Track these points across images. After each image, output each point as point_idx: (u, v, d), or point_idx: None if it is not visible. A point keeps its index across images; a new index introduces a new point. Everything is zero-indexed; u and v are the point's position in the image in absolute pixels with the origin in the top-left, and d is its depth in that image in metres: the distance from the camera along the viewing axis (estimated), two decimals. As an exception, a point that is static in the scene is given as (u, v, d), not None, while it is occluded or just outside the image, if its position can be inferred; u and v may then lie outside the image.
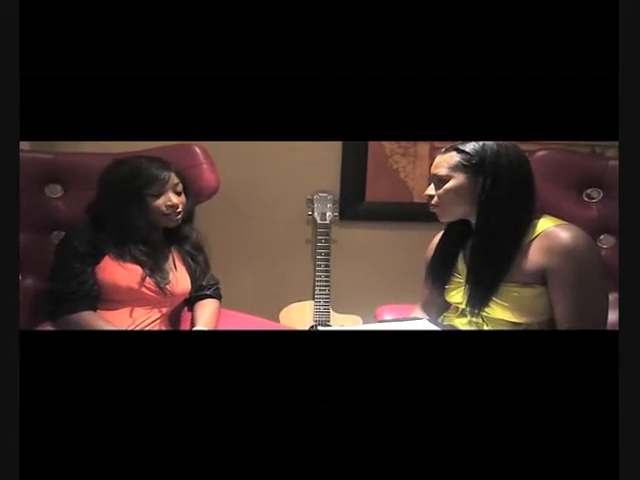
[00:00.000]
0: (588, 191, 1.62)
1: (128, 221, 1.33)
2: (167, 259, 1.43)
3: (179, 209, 1.37)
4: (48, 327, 1.32)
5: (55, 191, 1.56)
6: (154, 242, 1.40)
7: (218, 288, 1.54)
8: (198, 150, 1.59)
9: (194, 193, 1.49)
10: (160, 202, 1.35)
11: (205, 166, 1.58)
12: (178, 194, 1.38)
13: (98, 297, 1.34)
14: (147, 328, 1.37)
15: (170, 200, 1.35)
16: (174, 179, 1.37)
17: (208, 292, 1.51)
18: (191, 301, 1.50)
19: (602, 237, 1.61)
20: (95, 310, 1.33)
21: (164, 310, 1.42)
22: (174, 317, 1.52)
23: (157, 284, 1.35)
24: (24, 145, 1.57)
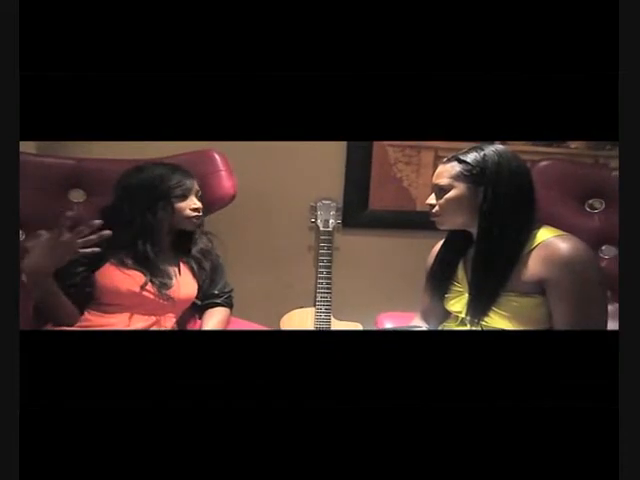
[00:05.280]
0: (590, 201, 1.62)
1: (149, 224, 1.35)
2: (172, 264, 1.43)
3: (201, 213, 1.42)
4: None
5: (78, 196, 1.58)
6: (163, 247, 1.42)
7: (230, 297, 1.54)
8: (217, 156, 1.58)
9: (211, 200, 1.50)
10: (184, 205, 1.38)
11: (223, 173, 1.58)
12: (200, 199, 1.43)
13: (90, 299, 1.34)
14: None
15: (195, 204, 1.40)
16: (196, 186, 1.42)
17: (219, 300, 1.51)
18: (202, 309, 1.50)
19: (604, 248, 1.61)
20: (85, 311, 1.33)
21: (166, 315, 1.40)
22: (181, 324, 1.50)
23: (158, 289, 1.35)
24: (45, 149, 1.60)
